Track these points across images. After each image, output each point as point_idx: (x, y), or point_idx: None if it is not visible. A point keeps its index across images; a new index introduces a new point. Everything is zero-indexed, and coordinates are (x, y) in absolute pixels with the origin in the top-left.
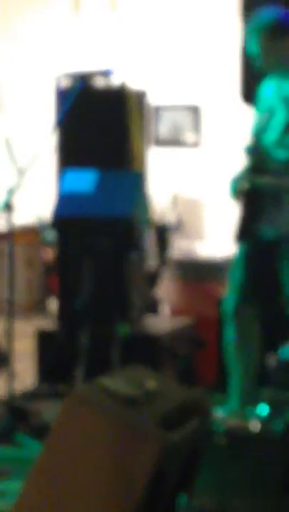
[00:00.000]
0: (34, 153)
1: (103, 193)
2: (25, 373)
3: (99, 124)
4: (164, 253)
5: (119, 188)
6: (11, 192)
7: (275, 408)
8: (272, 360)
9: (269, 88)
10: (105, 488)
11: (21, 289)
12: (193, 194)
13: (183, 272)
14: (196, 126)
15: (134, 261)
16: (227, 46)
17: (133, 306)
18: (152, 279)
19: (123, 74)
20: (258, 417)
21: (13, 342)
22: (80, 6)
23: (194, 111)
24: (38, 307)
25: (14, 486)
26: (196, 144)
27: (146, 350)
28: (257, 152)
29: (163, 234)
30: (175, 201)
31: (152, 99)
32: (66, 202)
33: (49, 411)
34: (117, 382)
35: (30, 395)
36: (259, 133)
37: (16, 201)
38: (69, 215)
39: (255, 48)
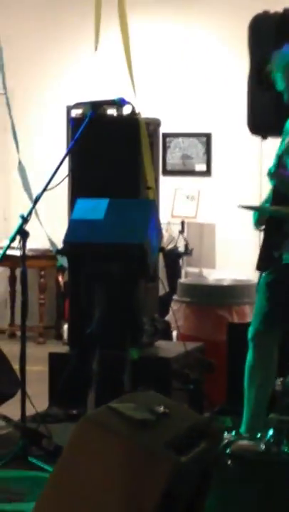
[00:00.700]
0: (48, 180)
1: (114, 220)
2: (38, 396)
3: (111, 152)
4: (175, 279)
5: (130, 215)
6: (24, 218)
7: (282, 432)
8: (279, 385)
9: None
10: (116, 510)
11: (35, 314)
12: (204, 220)
13: (192, 297)
14: (208, 154)
15: (145, 287)
16: (238, 75)
17: (144, 331)
18: (163, 304)
19: (135, 102)
20: (266, 440)
21: (27, 365)
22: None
23: (206, 139)
24: (52, 331)
25: (27, 508)
26: (207, 173)
27: (157, 373)
28: (279, 175)
29: (174, 260)
30: (185, 228)
31: (162, 127)
32: (77, 228)
33: (61, 434)
34: (128, 405)
35: (43, 418)
36: (283, 154)
37: (30, 226)
38: (80, 242)
39: (281, 84)
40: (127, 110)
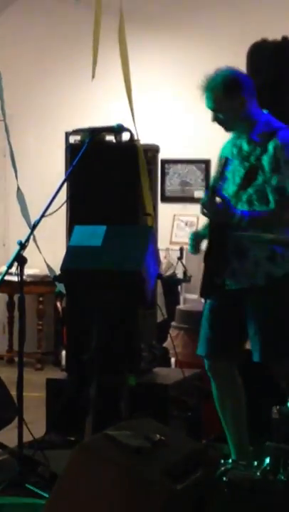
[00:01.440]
0: (46, 206)
1: (112, 247)
2: (36, 423)
3: (110, 178)
4: (173, 305)
5: (128, 242)
6: (22, 244)
7: (279, 460)
8: (275, 413)
9: (226, 148)
10: None
11: (33, 340)
12: (203, 247)
13: (190, 324)
14: (206, 180)
15: (143, 313)
16: None
17: (142, 358)
18: (161, 330)
19: (134, 129)
20: (263, 468)
21: (25, 392)
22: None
23: (205, 165)
24: (50, 357)
25: None
26: None
27: (155, 400)
28: (211, 204)
29: (172, 286)
30: (184, 254)
31: (160, 153)
32: (75, 255)
33: (58, 460)
34: (124, 433)
35: (40, 445)
36: (215, 184)
37: (29, 252)
38: (77, 268)
39: (209, 105)
40: (125, 137)
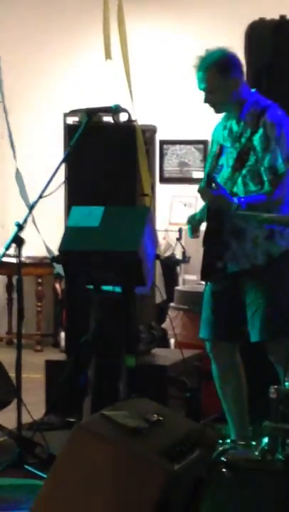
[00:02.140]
0: (45, 186)
1: (110, 228)
2: (35, 404)
3: (107, 159)
4: (172, 286)
5: (125, 223)
6: (19, 225)
7: (277, 440)
8: (273, 393)
9: (217, 130)
10: None
11: (33, 321)
12: (202, 228)
13: (189, 304)
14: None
15: (141, 295)
16: None
17: (140, 339)
18: (160, 311)
19: (132, 109)
20: (261, 448)
21: (24, 373)
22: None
23: (203, 146)
24: (49, 339)
25: None
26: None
27: (154, 381)
28: (208, 191)
29: (171, 267)
30: (182, 235)
31: (159, 134)
32: (72, 236)
33: (58, 442)
34: (121, 413)
35: (39, 426)
36: (211, 172)
37: (28, 234)
38: (74, 250)
39: (201, 85)
40: (123, 117)
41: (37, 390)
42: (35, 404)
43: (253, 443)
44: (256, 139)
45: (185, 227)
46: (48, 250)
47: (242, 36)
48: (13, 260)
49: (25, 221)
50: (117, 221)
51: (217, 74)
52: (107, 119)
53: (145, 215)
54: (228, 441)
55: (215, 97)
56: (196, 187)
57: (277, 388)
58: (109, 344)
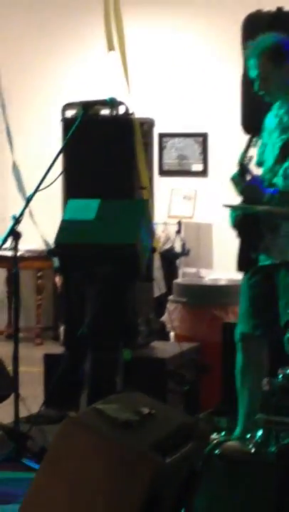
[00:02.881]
0: (41, 179)
1: (106, 221)
2: (35, 398)
3: (105, 152)
4: (171, 279)
5: (121, 215)
6: (16, 218)
7: (270, 432)
8: (266, 385)
9: (270, 118)
10: (100, 511)
11: (32, 315)
12: (201, 220)
13: (188, 297)
14: (204, 154)
15: (139, 287)
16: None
17: (138, 332)
18: (159, 305)
19: (129, 102)
20: (255, 441)
21: (24, 367)
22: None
23: (202, 139)
24: (49, 332)
25: None
26: (203, 173)
27: (152, 374)
28: (241, 181)
29: (170, 260)
30: (181, 228)
31: (158, 127)
32: (68, 229)
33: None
34: (112, 406)
35: (37, 419)
36: (260, 163)
37: (27, 227)
38: (70, 243)
39: (254, 73)
40: (121, 110)
41: (36, 384)
42: (34, 397)
43: (248, 436)
44: None
45: (184, 221)
46: (46, 243)
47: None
48: (9, 253)
49: (21, 214)
50: (113, 214)
51: (270, 60)
52: (106, 112)
53: (142, 208)
54: (222, 434)
55: (267, 85)
56: (195, 179)
57: (269, 380)
58: (107, 337)
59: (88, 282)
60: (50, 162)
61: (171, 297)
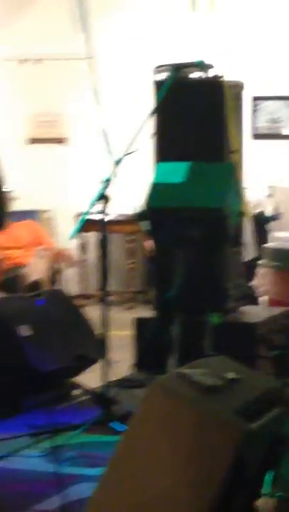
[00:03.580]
0: (130, 143)
1: (194, 184)
2: (125, 361)
3: (195, 115)
4: (262, 243)
5: (210, 179)
6: (106, 182)
7: None
8: None
9: None
10: (184, 476)
11: (124, 279)
12: None
13: (278, 261)
14: None
15: (229, 251)
16: None
17: (228, 296)
18: (250, 269)
19: (221, 65)
20: None
21: (115, 331)
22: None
23: None
24: (141, 296)
25: None
26: None
27: (242, 339)
28: None
29: (261, 225)
30: (273, 192)
31: (250, 91)
32: (158, 193)
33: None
34: (197, 371)
35: (126, 383)
36: None
37: (116, 192)
38: (160, 206)
39: None
40: (211, 73)
41: (127, 347)
42: (124, 361)
43: None
44: None
45: (275, 186)
46: (136, 207)
47: None
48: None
49: (112, 177)
50: (202, 177)
51: None
52: (195, 74)
53: (231, 172)
54: None
55: None
56: (286, 143)
57: None
58: (195, 301)
59: (177, 246)
60: (140, 125)
61: (261, 262)
